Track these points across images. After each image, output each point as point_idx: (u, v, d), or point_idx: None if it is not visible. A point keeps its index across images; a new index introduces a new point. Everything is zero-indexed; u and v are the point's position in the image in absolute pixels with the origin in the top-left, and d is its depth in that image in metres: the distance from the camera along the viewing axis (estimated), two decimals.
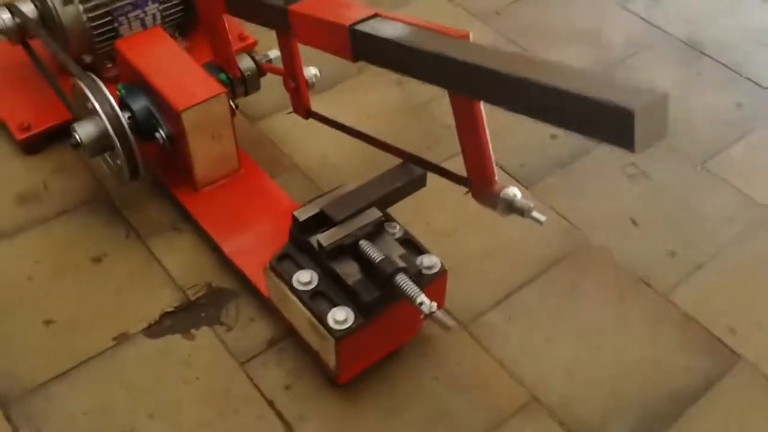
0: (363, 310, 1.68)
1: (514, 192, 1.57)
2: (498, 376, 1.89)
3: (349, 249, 1.71)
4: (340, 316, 1.67)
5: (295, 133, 2.44)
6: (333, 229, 1.73)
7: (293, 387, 1.85)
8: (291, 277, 1.74)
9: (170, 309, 2.00)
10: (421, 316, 1.60)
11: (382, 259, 1.66)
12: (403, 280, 1.63)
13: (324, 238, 1.71)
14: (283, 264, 1.79)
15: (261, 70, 2.28)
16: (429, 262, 1.78)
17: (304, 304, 1.72)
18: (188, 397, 1.83)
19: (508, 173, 2.35)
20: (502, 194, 1.56)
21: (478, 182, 1.61)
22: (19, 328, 1.95)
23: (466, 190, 1.67)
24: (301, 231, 1.77)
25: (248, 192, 2.19)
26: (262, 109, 2.50)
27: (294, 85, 2.10)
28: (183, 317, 1.99)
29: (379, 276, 1.65)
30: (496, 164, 1.61)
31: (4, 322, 1.96)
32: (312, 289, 1.73)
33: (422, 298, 1.60)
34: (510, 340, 1.96)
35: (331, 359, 1.74)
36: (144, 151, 2.03)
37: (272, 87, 2.32)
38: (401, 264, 1.65)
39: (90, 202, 2.25)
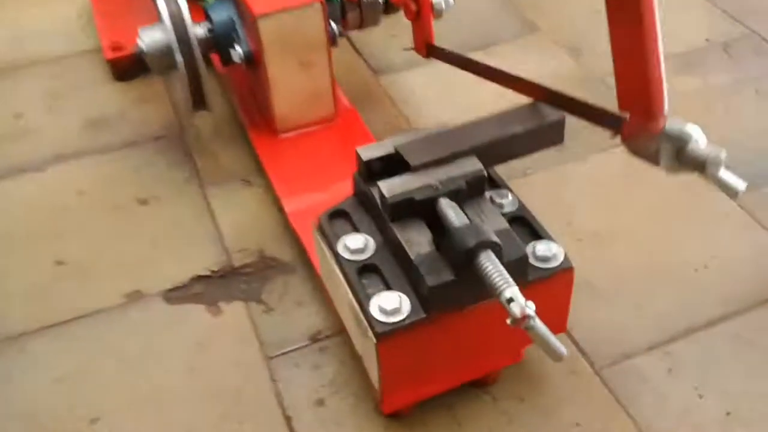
0: (425, 300, 1.09)
1: (692, 130, 0.92)
2: None
3: (424, 209, 1.13)
4: (390, 304, 1.09)
5: (421, 94, 1.91)
6: (405, 177, 1.16)
7: (326, 404, 1.29)
8: (337, 241, 1.19)
9: (205, 273, 1.52)
10: (508, 321, 0.99)
11: (462, 226, 1.07)
12: (487, 262, 1.02)
13: (388, 187, 1.14)
14: (334, 223, 1.24)
15: (387, 3, 1.77)
16: (545, 250, 1.16)
17: (346, 279, 1.16)
18: (185, 390, 1.33)
19: None
20: (668, 128, 0.92)
21: (638, 115, 0.98)
22: (27, 263, 1.57)
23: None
24: (366, 177, 1.21)
25: (340, 147, 1.68)
26: (390, 62, 2.00)
27: (415, 9, 1.57)
28: (216, 285, 1.50)
29: (456, 252, 1.05)
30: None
31: (15, 253, 1.60)
32: (363, 260, 1.17)
33: (512, 291, 0.98)
34: (665, 403, 1.26)
35: (372, 370, 1.17)
36: (227, 78, 1.59)
37: (408, 38, 1.81)
38: (491, 238, 1.05)
39: (161, 138, 1.85)
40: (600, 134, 1.14)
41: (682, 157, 0.94)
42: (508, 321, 0.99)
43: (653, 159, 0.97)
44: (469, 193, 1.15)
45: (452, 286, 1.07)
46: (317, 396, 1.30)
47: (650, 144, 0.96)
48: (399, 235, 1.13)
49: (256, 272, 1.52)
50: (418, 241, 1.12)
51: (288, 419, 1.28)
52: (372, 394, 1.28)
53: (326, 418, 1.27)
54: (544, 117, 1.21)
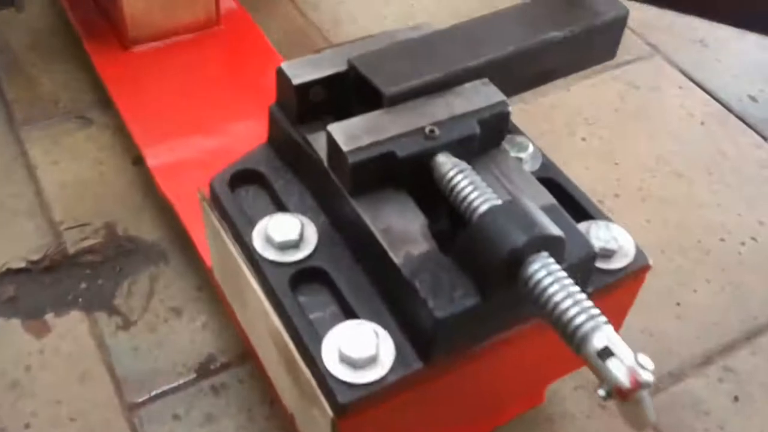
0: (425, 340, 0.60)
1: None
2: None
3: (409, 173, 0.64)
4: (361, 350, 0.60)
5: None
6: (372, 117, 0.65)
7: None
8: (251, 227, 0.68)
9: (19, 264, 0.96)
10: (600, 393, 0.52)
11: (494, 207, 0.59)
12: (547, 275, 0.55)
13: (345, 135, 0.63)
14: (239, 193, 0.72)
15: None
16: (608, 239, 0.69)
17: (272, 298, 0.65)
18: None
19: None
20: None
21: None
22: None
23: None
24: (297, 116, 0.70)
25: (227, 65, 1.13)
26: None
27: None
28: (39, 284, 0.96)
29: (490, 255, 0.56)
30: None
31: None
32: (299, 261, 0.66)
33: (606, 335, 0.52)
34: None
35: None
36: None
37: None
38: (551, 230, 0.57)
39: None
40: None
41: None
42: (601, 392, 0.53)
43: None
44: (482, 143, 0.67)
45: (476, 317, 0.59)
46: None
47: None
48: (368, 221, 0.63)
49: (103, 262, 0.98)
50: (403, 230, 0.63)
51: None
52: None
53: None
54: (596, 12, 0.73)
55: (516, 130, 0.79)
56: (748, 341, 0.96)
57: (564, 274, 0.57)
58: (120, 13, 1.09)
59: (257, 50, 1.18)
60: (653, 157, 1.17)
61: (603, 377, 0.52)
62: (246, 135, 0.82)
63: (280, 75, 0.70)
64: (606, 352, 0.52)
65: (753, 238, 1.07)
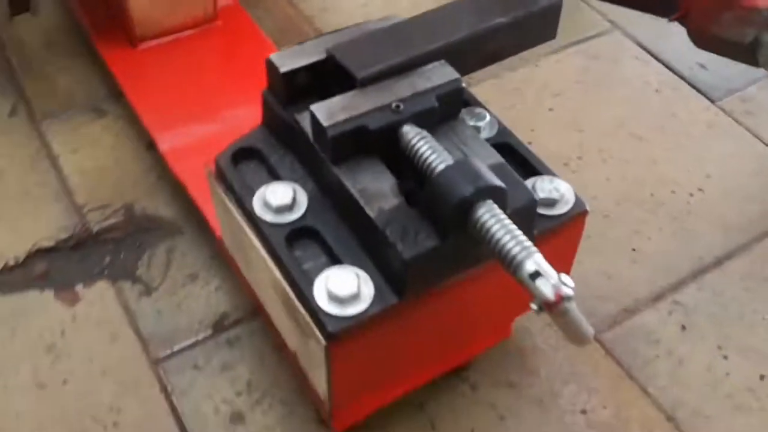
0: (398, 279, 0.73)
1: None
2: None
3: (380, 143, 0.76)
4: (345, 288, 0.73)
5: None
6: (348, 96, 0.78)
7: (246, 420, 0.93)
8: (251, 195, 0.81)
9: (49, 243, 1.09)
10: (533, 307, 0.65)
11: (448, 166, 0.71)
12: (491, 217, 0.68)
13: (325, 112, 0.76)
14: (241, 167, 0.85)
15: None
16: (551, 190, 0.82)
17: (271, 253, 0.78)
18: (32, 416, 0.92)
19: None
20: None
21: None
22: None
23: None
24: (285, 98, 0.82)
25: (226, 57, 1.25)
26: None
27: None
28: (68, 260, 1.09)
29: (444, 204, 0.69)
30: None
31: None
32: (293, 222, 0.79)
33: (536, 261, 0.65)
34: (685, 370, 0.99)
35: (318, 378, 0.80)
36: None
37: None
38: (494, 182, 0.70)
39: None
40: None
41: None
42: (533, 306, 0.66)
43: (745, 53, 0.64)
44: (441, 114, 0.79)
45: (438, 256, 0.72)
46: (232, 409, 0.94)
47: (742, 29, 0.63)
48: (348, 183, 0.76)
49: (124, 238, 1.11)
50: (377, 190, 0.76)
51: None
52: (310, 397, 0.92)
53: None
54: (535, 0, 0.85)
55: (476, 102, 0.91)
56: (694, 279, 1.08)
57: (505, 216, 0.69)
58: (127, 14, 1.21)
59: (252, 41, 1.30)
60: (613, 123, 1.29)
61: (534, 295, 0.65)
62: (244, 118, 0.94)
63: (269, 65, 0.82)
64: (535, 275, 0.65)
65: (700, 189, 1.20)
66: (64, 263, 1.08)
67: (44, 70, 1.33)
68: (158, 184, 1.17)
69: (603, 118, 1.30)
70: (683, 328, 1.03)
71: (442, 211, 0.70)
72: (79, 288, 1.05)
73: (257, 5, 1.43)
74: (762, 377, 0.98)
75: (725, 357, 1.00)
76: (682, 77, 1.36)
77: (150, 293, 1.05)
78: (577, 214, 0.83)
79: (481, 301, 0.83)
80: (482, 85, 1.33)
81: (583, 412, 0.94)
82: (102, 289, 1.05)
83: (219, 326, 1.01)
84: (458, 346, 0.88)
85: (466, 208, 0.69)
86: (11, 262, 1.07)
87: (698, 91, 1.34)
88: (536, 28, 0.87)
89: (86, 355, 0.98)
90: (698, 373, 0.99)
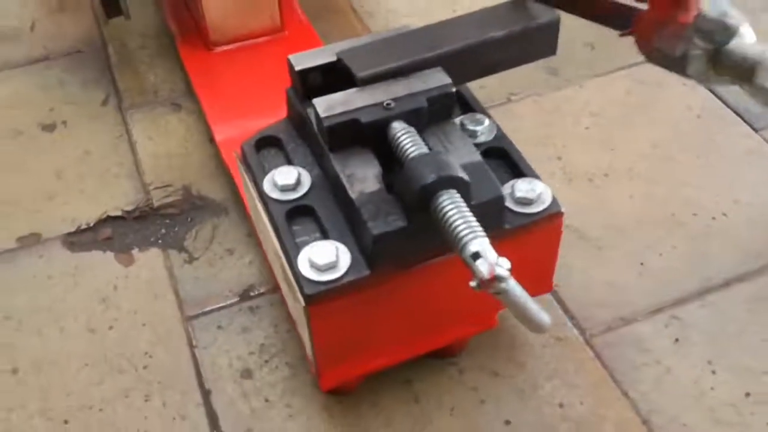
0: (369, 253, 0.83)
1: (737, 20, 0.65)
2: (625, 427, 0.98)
3: (373, 135, 0.87)
4: (324, 258, 0.84)
5: (392, 6, 1.63)
6: (348, 93, 0.89)
7: (254, 376, 1.05)
8: (263, 176, 0.93)
9: (116, 213, 1.26)
10: (472, 284, 0.73)
11: (417, 156, 0.81)
12: (449, 204, 0.76)
13: (325, 106, 0.87)
14: (262, 152, 0.98)
15: None
16: (528, 190, 0.90)
17: (273, 225, 0.90)
18: (82, 356, 1.08)
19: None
20: (705, 16, 0.65)
21: (661, 2, 0.70)
22: None
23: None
24: (301, 94, 0.94)
25: (285, 63, 1.38)
26: None
27: None
28: (130, 228, 1.25)
29: (409, 190, 0.79)
30: None
31: None
32: (294, 200, 0.90)
33: (479, 244, 0.73)
34: (671, 380, 1.03)
35: (306, 338, 0.91)
36: None
37: None
38: (456, 172, 0.79)
39: (76, 53, 1.57)
40: (600, 57, 0.88)
41: (720, 61, 0.68)
42: (472, 284, 0.74)
43: (678, 65, 0.71)
44: (432, 115, 0.89)
45: (405, 236, 0.82)
46: (243, 365, 1.06)
47: (676, 43, 0.69)
48: (339, 169, 0.87)
49: (179, 214, 1.26)
50: (362, 176, 0.86)
51: (206, 393, 1.03)
52: (308, 361, 1.03)
53: (252, 392, 1.03)
54: (533, 17, 0.93)
55: (480, 109, 1.00)
56: (698, 297, 1.11)
57: (464, 205, 0.78)
58: (203, 22, 1.38)
59: None
60: (647, 144, 1.33)
61: (473, 272, 0.73)
62: None
63: (289, 64, 0.95)
64: (477, 255, 0.73)
65: (724, 214, 1.22)
66: (126, 230, 1.24)
67: (137, 67, 1.52)
68: (216, 172, 1.31)
69: (638, 139, 1.34)
70: (676, 340, 1.06)
71: (409, 196, 0.80)
72: (135, 252, 1.21)
73: (328, 19, 1.57)
74: (748, 395, 1.00)
75: (714, 372, 1.03)
76: (726, 104, 1.38)
77: (192, 262, 1.19)
78: (552, 214, 0.89)
79: (454, 288, 0.91)
80: (524, 101, 1.40)
81: (561, 405, 1.00)
82: (153, 255, 1.20)
83: (245, 295, 1.14)
84: (438, 328, 0.96)
85: (430, 193, 0.78)
86: (83, 226, 1.24)
87: (742, 118, 1.36)
88: (534, 43, 0.95)
89: (132, 308, 1.13)
90: (683, 384, 1.02)
